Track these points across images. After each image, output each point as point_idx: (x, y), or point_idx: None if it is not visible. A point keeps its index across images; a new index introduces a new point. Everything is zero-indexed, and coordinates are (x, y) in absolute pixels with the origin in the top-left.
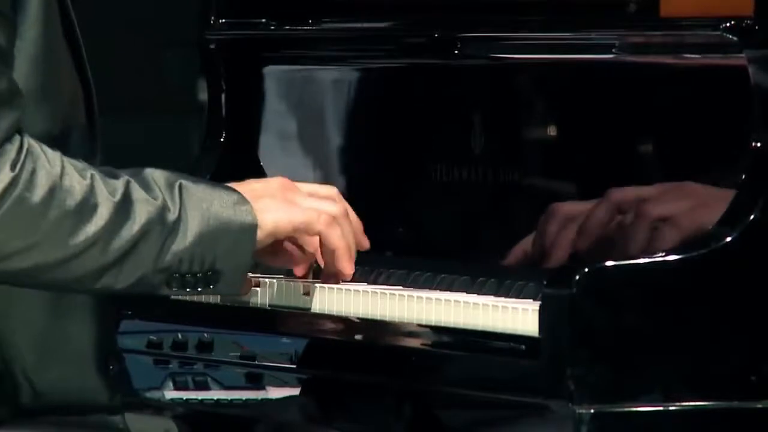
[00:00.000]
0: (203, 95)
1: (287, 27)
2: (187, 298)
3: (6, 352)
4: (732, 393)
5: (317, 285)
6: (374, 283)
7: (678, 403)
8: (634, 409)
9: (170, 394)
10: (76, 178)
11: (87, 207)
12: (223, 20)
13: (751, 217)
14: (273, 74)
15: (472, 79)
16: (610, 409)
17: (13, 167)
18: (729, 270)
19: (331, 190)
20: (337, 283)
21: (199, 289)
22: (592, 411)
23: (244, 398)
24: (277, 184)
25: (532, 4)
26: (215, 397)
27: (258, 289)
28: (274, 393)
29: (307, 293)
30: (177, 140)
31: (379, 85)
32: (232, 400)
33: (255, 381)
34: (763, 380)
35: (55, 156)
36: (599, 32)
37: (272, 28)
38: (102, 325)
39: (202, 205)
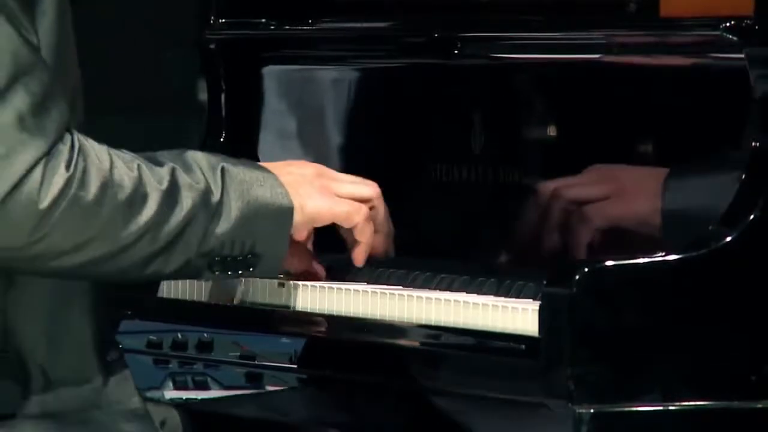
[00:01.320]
0: (203, 95)
1: (287, 27)
2: (187, 298)
3: (17, 341)
4: (732, 393)
5: (318, 285)
6: (374, 283)
7: (678, 403)
8: (634, 409)
9: (170, 394)
10: (125, 170)
11: (137, 199)
12: (223, 20)
13: (751, 217)
14: (273, 74)
15: (472, 79)
16: (610, 409)
17: (67, 167)
18: (729, 270)
19: (372, 191)
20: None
21: (240, 272)
22: (592, 411)
23: (244, 398)
24: (312, 170)
25: (532, 4)
26: (215, 397)
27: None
28: (274, 393)
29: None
30: (177, 140)
31: (379, 85)
32: (232, 400)
33: (255, 381)
34: (763, 380)
35: (102, 150)
36: (599, 32)
37: (272, 28)
38: (100, 313)
39: (243, 188)
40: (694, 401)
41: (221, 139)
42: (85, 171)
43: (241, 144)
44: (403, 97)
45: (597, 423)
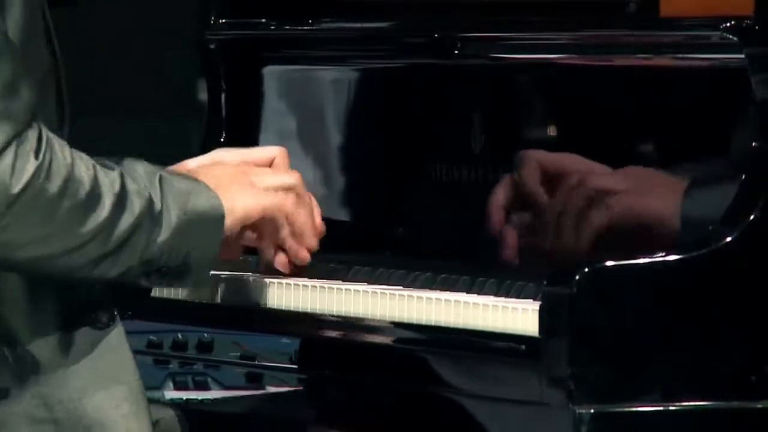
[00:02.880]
0: (203, 95)
1: (287, 27)
2: (188, 298)
3: (3, 327)
4: (732, 393)
5: (318, 285)
6: (374, 283)
7: (678, 403)
8: (634, 409)
9: (170, 394)
10: (84, 168)
11: (94, 197)
12: (223, 20)
13: (751, 217)
14: (273, 74)
15: (472, 79)
16: (610, 409)
17: (36, 156)
18: (729, 270)
19: (293, 178)
20: (301, 268)
21: (172, 282)
22: (592, 411)
23: (244, 398)
24: (234, 168)
25: (532, 4)
26: (215, 397)
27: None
28: (274, 393)
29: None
30: (177, 140)
31: (379, 85)
32: (232, 399)
33: (255, 381)
34: (763, 380)
35: (63, 145)
36: (599, 32)
37: (272, 28)
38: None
39: (180, 198)
40: (694, 401)
41: (221, 139)
42: (51, 163)
43: (241, 144)
44: (403, 97)
45: (597, 423)
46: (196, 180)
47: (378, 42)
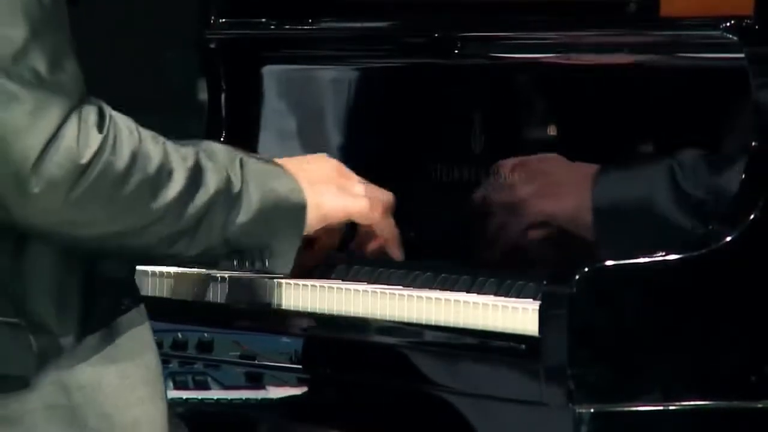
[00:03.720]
0: (203, 95)
1: (287, 27)
2: (189, 298)
3: (30, 311)
4: (732, 393)
5: (318, 285)
6: (374, 282)
7: (678, 403)
8: (634, 409)
9: (170, 393)
10: (152, 144)
11: (164, 173)
12: (223, 20)
13: (751, 217)
14: (273, 74)
15: (472, 79)
16: (610, 409)
17: (99, 129)
18: (729, 270)
19: (388, 196)
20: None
21: (255, 264)
22: (592, 411)
23: (244, 398)
24: (330, 167)
25: (532, 4)
26: (215, 397)
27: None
28: (274, 393)
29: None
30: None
31: (379, 85)
32: (232, 399)
33: (255, 381)
34: (763, 380)
35: (129, 121)
36: (599, 32)
37: (272, 28)
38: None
39: (261, 181)
40: (694, 401)
41: (221, 139)
42: (116, 138)
43: (241, 144)
44: (403, 97)
45: (597, 423)
46: (280, 167)
47: (378, 42)
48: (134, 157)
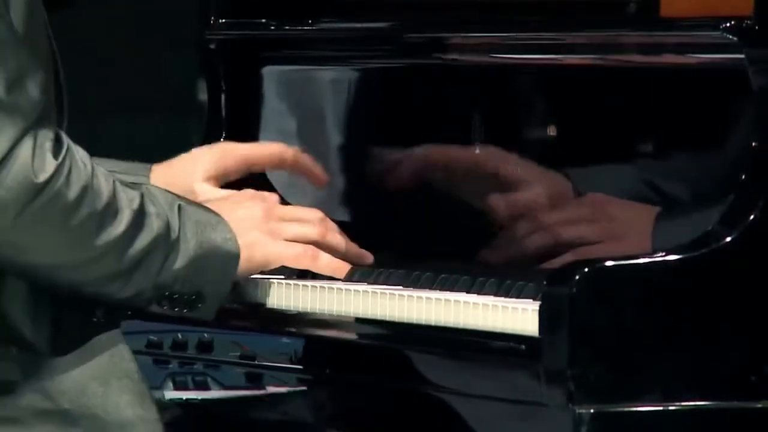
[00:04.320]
0: (203, 95)
1: (287, 27)
2: None
3: (9, 324)
4: (732, 393)
5: (318, 285)
6: (374, 283)
7: (678, 403)
8: (634, 409)
9: (170, 394)
10: (104, 180)
11: (111, 211)
12: (223, 20)
13: (751, 217)
14: (273, 74)
15: (472, 79)
16: (610, 409)
17: (55, 156)
18: (729, 270)
19: (316, 214)
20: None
21: (184, 311)
22: (592, 411)
23: (244, 398)
24: (260, 212)
25: (531, 4)
26: (215, 397)
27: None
28: (274, 393)
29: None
30: (177, 140)
31: (379, 85)
32: (232, 400)
33: (255, 381)
34: (763, 380)
35: (85, 155)
36: (599, 32)
37: (272, 28)
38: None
39: (198, 229)
40: (694, 401)
41: (221, 139)
42: (71, 168)
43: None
44: (402, 98)
45: (597, 423)
46: (216, 215)
47: (378, 42)
48: (85, 190)
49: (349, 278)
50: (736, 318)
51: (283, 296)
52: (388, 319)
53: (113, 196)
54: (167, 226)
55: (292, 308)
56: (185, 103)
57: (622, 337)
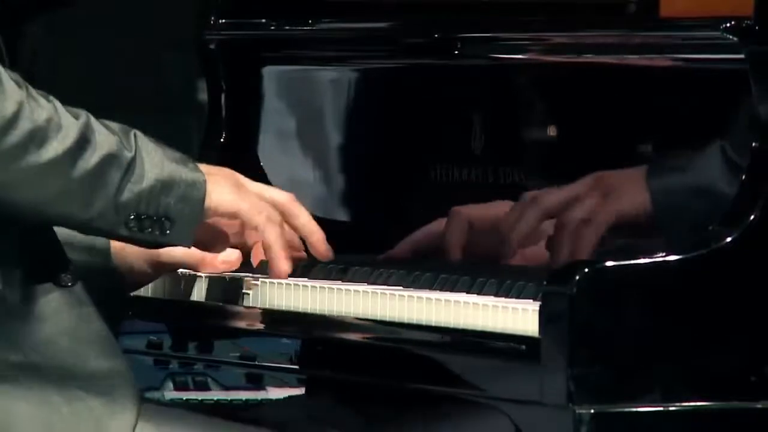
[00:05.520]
0: (203, 95)
1: (287, 27)
2: (188, 298)
3: None
4: (732, 393)
5: (318, 285)
6: (374, 283)
7: (678, 403)
8: (634, 409)
9: (170, 394)
10: (42, 99)
11: (53, 125)
12: (223, 20)
13: (751, 217)
14: (273, 74)
15: (472, 80)
16: (610, 409)
17: None
18: (729, 270)
19: (285, 196)
20: (276, 277)
21: (154, 234)
22: (592, 411)
23: (244, 398)
24: (228, 171)
25: (532, 4)
26: (215, 397)
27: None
28: (275, 393)
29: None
30: (177, 140)
31: (379, 85)
32: (232, 400)
33: (255, 381)
34: (763, 380)
35: (17, 76)
36: (599, 32)
37: (272, 28)
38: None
39: (157, 154)
40: (694, 401)
41: (221, 139)
42: (3, 84)
43: (241, 144)
44: (403, 98)
45: (597, 423)
46: (172, 149)
47: (378, 42)
48: (21, 105)
49: (349, 278)
50: (736, 318)
51: (283, 296)
52: (388, 319)
53: (55, 112)
54: (119, 146)
55: (292, 308)
56: (185, 104)
57: (622, 337)
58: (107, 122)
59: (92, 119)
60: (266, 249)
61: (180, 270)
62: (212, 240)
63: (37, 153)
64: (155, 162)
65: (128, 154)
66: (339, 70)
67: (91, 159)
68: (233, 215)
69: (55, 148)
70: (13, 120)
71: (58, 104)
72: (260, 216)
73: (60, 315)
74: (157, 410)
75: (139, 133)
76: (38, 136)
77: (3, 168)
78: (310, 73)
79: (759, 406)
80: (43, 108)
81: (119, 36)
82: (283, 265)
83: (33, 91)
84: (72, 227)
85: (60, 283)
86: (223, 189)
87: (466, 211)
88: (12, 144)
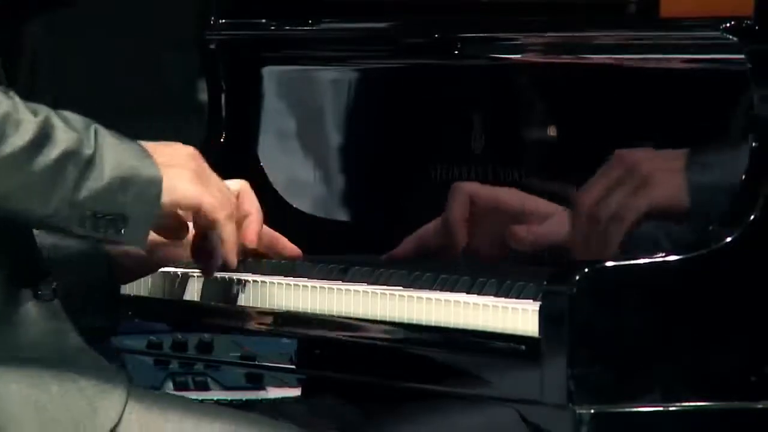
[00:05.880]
0: (203, 95)
1: (287, 27)
2: (187, 298)
3: None
4: (732, 393)
5: (318, 285)
6: (374, 283)
7: (678, 403)
8: (634, 409)
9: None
10: (0, 95)
11: (11, 120)
12: (223, 20)
13: (751, 217)
14: (273, 74)
15: (472, 80)
16: (610, 409)
17: None
18: (729, 270)
19: (240, 185)
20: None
21: (109, 232)
22: (592, 411)
23: (244, 398)
24: (186, 153)
25: (532, 4)
26: (215, 398)
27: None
28: (274, 393)
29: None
30: (177, 140)
31: (379, 85)
32: (232, 400)
33: (255, 381)
34: (763, 380)
35: None
36: (599, 32)
37: (272, 28)
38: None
39: (116, 151)
40: (694, 401)
41: (221, 139)
42: None
43: (241, 144)
44: (403, 98)
45: (597, 423)
46: (136, 143)
47: (378, 42)
48: None
49: (349, 278)
50: (736, 318)
51: (283, 296)
52: (388, 319)
53: (13, 108)
54: (79, 142)
55: (292, 308)
56: (185, 104)
57: (623, 337)
58: (69, 116)
59: (53, 114)
60: (223, 242)
61: (179, 270)
62: (174, 229)
63: None
64: (114, 159)
65: (87, 152)
66: (339, 70)
67: (49, 155)
68: (195, 209)
69: (12, 143)
70: None
71: (17, 99)
72: (222, 212)
73: (38, 325)
74: (146, 392)
75: (100, 129)
76: None
77: None
78: (310, 73)
79: (759, 406)
80: (0, 104)
81: (119, 36)
82: (235, 258)
83: None
84: (31, 224)
85: (37, 294)
86: (185, 183)
87: (468, 186)
88: None
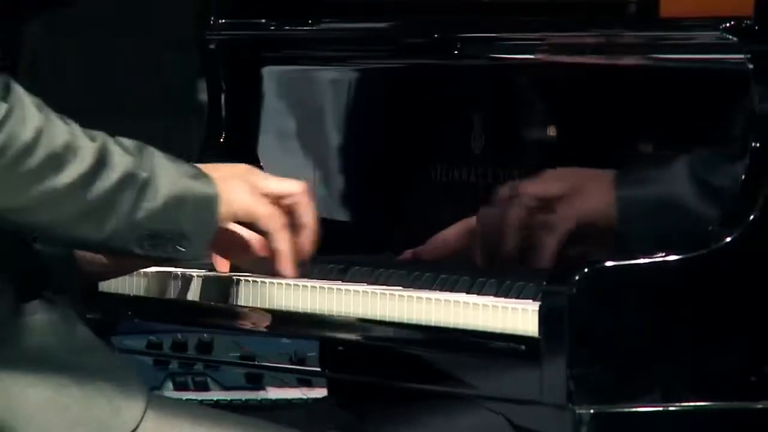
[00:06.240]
0: (203, 95)
1: (287, 27)
2: (187, 298)
3: None
4: (732, 393)
5: (318, 285)
6: (374, 283)
7: (678, 403)
8: (634, 409)
9: (170, 394)
10: (60, 122)
11: (70, 150)
12: (223, 20)
13: (751, 217)
14: (273, 74)
15: (472, 80)
16: (610, 409)
17: (4, 99)
18: (729, 270)
19: (297, 186)
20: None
21: (169, 250)
22: (592, 411)
23: (244, 398)
24: (243, 167)
25: (532, 4)
26: (215, 398)
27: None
28: (274, 393)
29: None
30: (177, 140)
31: (379, 85)
32: (232, 400)
33: (255, 381)
34: (763, 380)
35: (37, 100)
36: (599, 32)
37: (272, 28)
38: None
39: (170, 170)
40: (694, 402)
41: (221, 139)
42: (23, 108)
43: (241, 144)
44: (403, 98)
45: (597, 423)
46: (192, 165)
47: (378, 42)
48: (40, 131)
49: (349, 278)
50: (736, 318)
51: (283, 296)
52: (388, 319)
53: (72, 136)
54: (135, 165)
55: (292, 308)
56: (185, 104)
57: (622, 337)
58: (123, 140)
59: (109, 140)
60: (276, 253)
61: (179, 270)
62: (231, 245)
63: (54, 178)
64: (169, 179)
65: (143, 174)
66: (339, 70)
67: (106, 181)
68: (250, 220)
69: (71, 172)
70: (31, 145)
71: (75, 127)
72: (276, 223)
73: (46, 327)
74: (160, 396)
75: (154, 151)
76: (55, 161)
77: (20, 193)
78: (310, 73)
79: (759, 406)
80: (60, 132)
81: (119, 36)
82: (292, 269)
83: (52, 115)
84: (87, 248)
85: (42, 296)
86: (240, 195)
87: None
88: (29, 169)
